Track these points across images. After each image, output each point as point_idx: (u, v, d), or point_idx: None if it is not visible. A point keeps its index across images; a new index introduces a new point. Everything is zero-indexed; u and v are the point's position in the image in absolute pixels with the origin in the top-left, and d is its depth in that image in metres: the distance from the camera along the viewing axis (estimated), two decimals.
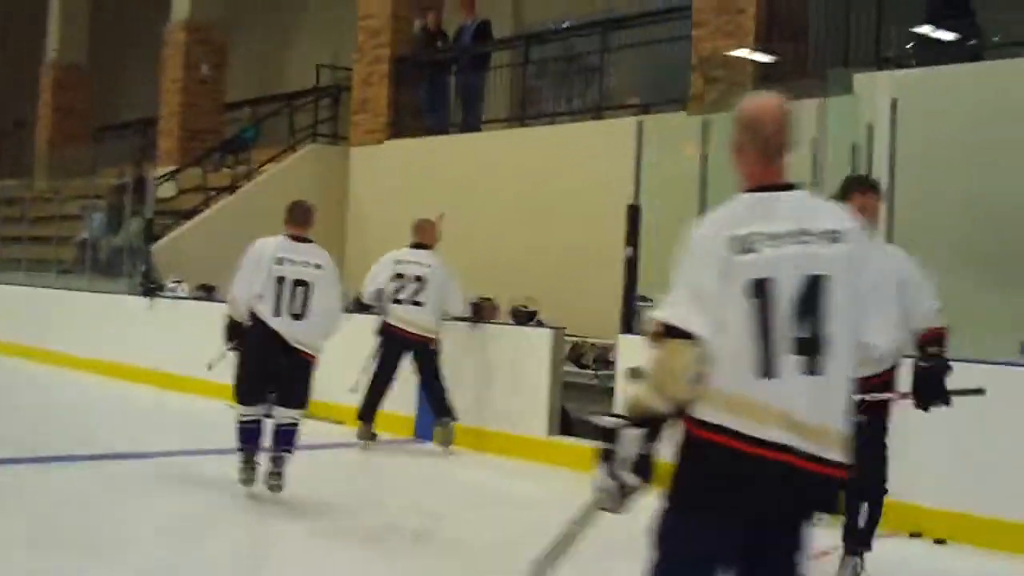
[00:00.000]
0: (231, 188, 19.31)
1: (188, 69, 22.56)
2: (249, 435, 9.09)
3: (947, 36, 11.70)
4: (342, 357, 11.20)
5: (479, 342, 12.12)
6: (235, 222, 16.60)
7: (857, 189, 6.98)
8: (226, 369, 9.65)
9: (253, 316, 9.07)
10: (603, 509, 4.01)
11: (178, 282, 16.67)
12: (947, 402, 6.70)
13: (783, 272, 3.93)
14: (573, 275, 13.53)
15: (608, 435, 3.93)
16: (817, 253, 3.98)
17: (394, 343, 11.82)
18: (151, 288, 16.71)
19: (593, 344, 12.37)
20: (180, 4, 22.82)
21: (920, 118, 9.83)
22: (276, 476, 9.00)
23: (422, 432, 12.19)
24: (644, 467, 3.90)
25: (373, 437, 11.95)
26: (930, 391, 6.70)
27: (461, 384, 11.91)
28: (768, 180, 4.09)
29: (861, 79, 11.17)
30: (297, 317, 9.00)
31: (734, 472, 3.96)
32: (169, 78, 22.96)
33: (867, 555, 7.13)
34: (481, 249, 14.44)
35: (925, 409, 6.76)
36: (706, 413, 3.95)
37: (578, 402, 11.79)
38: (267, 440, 9.15)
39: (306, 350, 9.09)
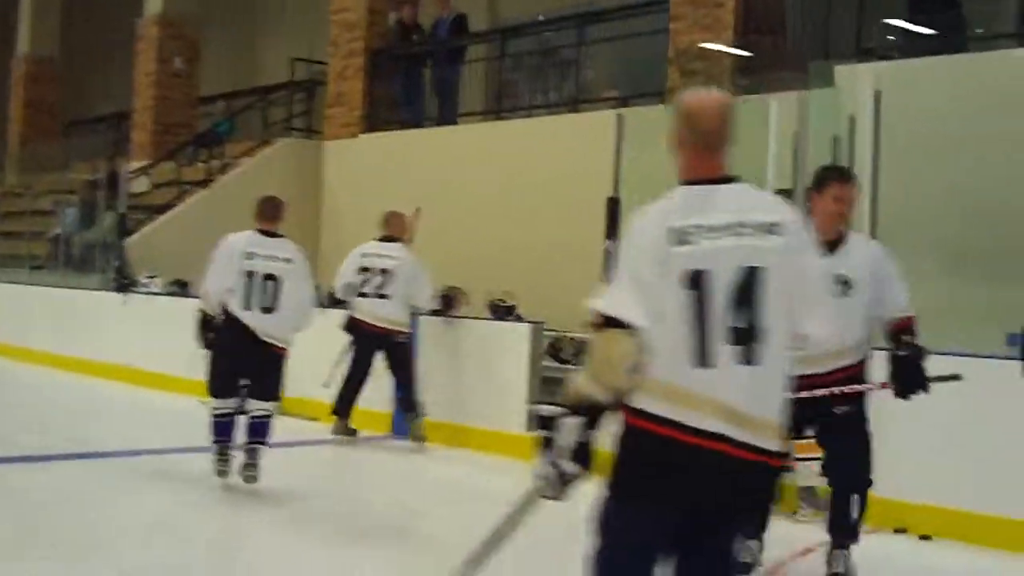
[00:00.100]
0: (205, 182, 19.07)
1: (161, 63, 22.32)
2: (223, 428, 9.20)
3: (930, 29, 11.61)
4: (316, 353, 11.16)
5: (456, 337, 11.99)
6: (209, 216, 16.34)
7: (835, 180, 6.93)
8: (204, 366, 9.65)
9: (225, 310, 9.18)
10: (544, 496, 4.05)
11: (152, 277, 16.51)
12: (926, 389, 6.68)
13: (720, 264, 3.99)
14: (551, 269, 13.40)
15: (547, 423, 4.01)
16: (754, 245, 4.03)
17: (361, 337, 11.72)
18: (125, 284, 16.56)
19: (572, 338, 12.25)
20: None
21: (903, 111, 9.76)
22: (251, 468, 9.12)
23: (399, 429, 12.04)
24: (583, 455, 3.94)
25: (353, 433, 11.85)
26: (909, 379, 6.68)
27: (438, 379, 11.81)
28: (707, 173, 4.15)
29: (842, 71, 11.08)
30: (267, 311, 9.15)
31: (670, 461, 4.02)
32: (142, 72, 22.73)
33: (853, 549, 7.04)
34: (457, 243, 14.33)
35: (905, 398, 6.73)
36: (644, 402, 4.00)
37: (557, 397, 11.68)
38: (241, 433, 9.25)
39: (277, 343, 9.26)
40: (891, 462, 7.55)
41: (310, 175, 18.42)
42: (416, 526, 8.22)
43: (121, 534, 7.71)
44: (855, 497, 6.96)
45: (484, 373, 11.63)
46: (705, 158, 4.15)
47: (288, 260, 9.31)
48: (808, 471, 8.17)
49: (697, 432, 3.95)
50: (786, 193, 9.88)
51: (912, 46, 11.72)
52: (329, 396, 11.83)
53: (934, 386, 6.67)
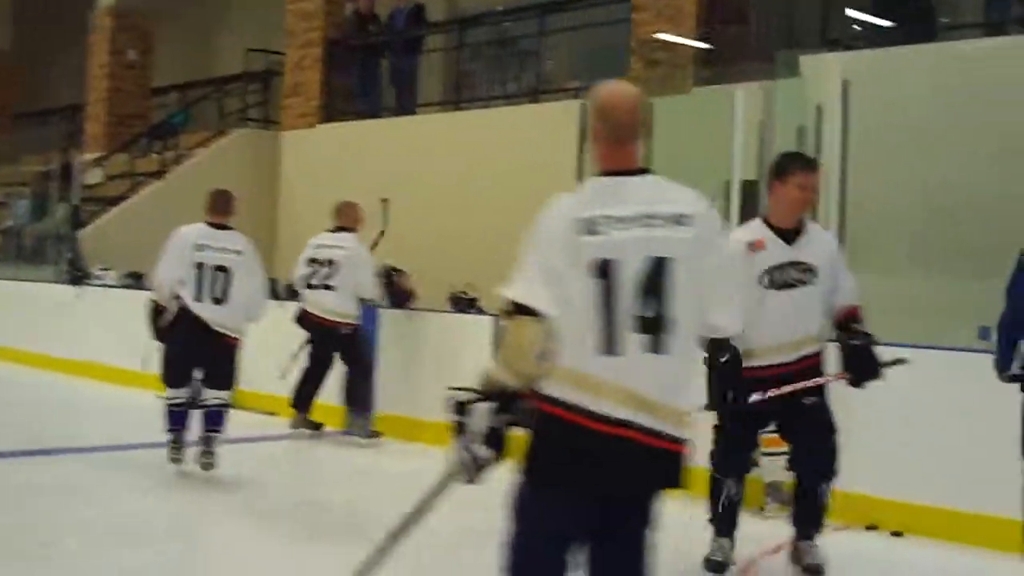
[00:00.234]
0: (159, 174, 18.88)
1: (115, 55, 22.23)
2: (177, 417, 9.41)
3: (897, 18, 11.54)
4: (273, 346, 11.12)
5: (417, 330, 11.82)
6: (163, 208, 16.11)
7: (799, 168, 6.84)
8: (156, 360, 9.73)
9: (177, 301, 9.34)
10: (458, 480, 4.15)
11: (105, 270, 16.32)
12: (879, 376, 6.69)
13: (628, 254, 4.06)
14: (512, 260, 13.22)
15: (460, 409, 4.08)
16: (663, 236, 4.10)
17: (311, 330, 11.55)
18: (78, 276, 16.41)
19: None
20: None
21: (870, 101, 9.70)
22: (208, 455, 9.37)
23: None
24: (496, 440, 4.03)
25: (317, 427, 11.68)
26: (863, 368, 6.69)
27: (398, 373, 11.64)
28: (619, 165, 4.24)
29: (808, 61, 10.97)
30: (218, 302, 9.34)
31: (579, 447, 4.08)
32: (96, 64, 22.58)
33: (822, 548, 6.97)
34: (417, 235, 14.15)
35: (859, 386, 6.74)
36: (553, 389, 4.06)
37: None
38: (196, 423, 9.46)
39: (229, 333, 9.44)
40: (862, 458, 7.51)
41: (267, 166, 18.24)
42: (369, 522, 8.07)
43: (73, 532, 7.54)
44: (824, 487, 6.91)
45: (445, 366, 11.44)
46: (618, 150, 4.23)
47: (239, 252, 9.48)
48: (774, 466, 8.09)
49: (605, 419, 4.02)
50: (752, 184, 9.80)
51: (879, 36, 11.64)
52: (286, 389, 11.66)
53: (887, 374, 6.69)
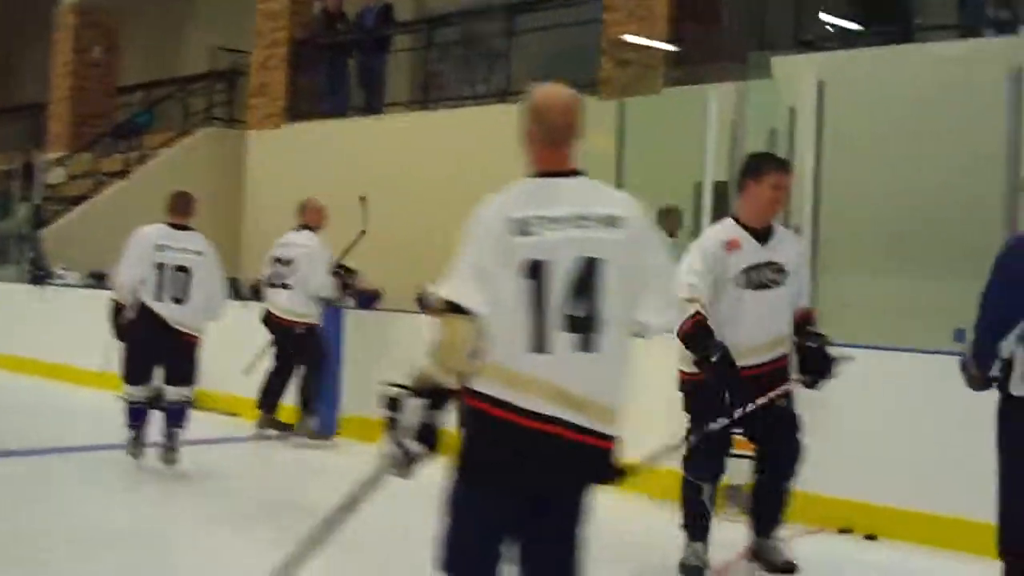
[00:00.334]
0: (123, 173, 18.80)
1: (79, 52, 22.11)
2: (137, 414, 9.59)
3: (871, 20, 11.52)
4: (236, 346, 11.13)
5: (383, 330, 11.70)
6: (127, 207, 16.00)
7: (773, 168, 6.83)
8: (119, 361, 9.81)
9: (137, 300, 9.51)
10: (389, 474, 4.19)
11: (67, 270, 16.19)
12: (832, 376, 6.72)
13: (559, 254, 4.12)
14: None
15: (393, 404, 4.14)
16: (594, 237, 4.17)
17: (273, 330, 11.45)
18: (40, 276, 16.25)
19: None
20: None
21: (843, 102, 9.67)
22: (171, 451, 9.55)
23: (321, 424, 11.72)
24: (428, 435, 4.08)
25: (286, 428, 11.49)
26: (819, 369, 6.70)
27: (363, 374, 11.48)
28: (552, 166, 4.31)
29: (780, 63, 10.95)
30: (178, 301, 9.51)
31: (509, 443, 4.16)
32: (59, 62, 22.43)
33: (796, 553, 6.98)
34: (383, 235, 14.03)
35: (814, 387, 6.75)
36: (484, 386, 4.13)
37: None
38: (159, 422, 9.61)
39: (188, 331, 9.59)
40: (837, 460, 7.50)
41: (232, 166, 18.13)
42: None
43: (35, 537, 7.40)
44: (787, 485, 6.94)
45: (411, 367, 11.33)
46: (551, 152, 4.31)
47: (199, 253, 9.65)
48: (738, 468, 8.00)
49: (535, 416, 4.09)
50: (723, 185, 9.74)
51: (852, 37, 11.61)
52: (250, 390, 11.54)
53: (837, 373, 6.72)
